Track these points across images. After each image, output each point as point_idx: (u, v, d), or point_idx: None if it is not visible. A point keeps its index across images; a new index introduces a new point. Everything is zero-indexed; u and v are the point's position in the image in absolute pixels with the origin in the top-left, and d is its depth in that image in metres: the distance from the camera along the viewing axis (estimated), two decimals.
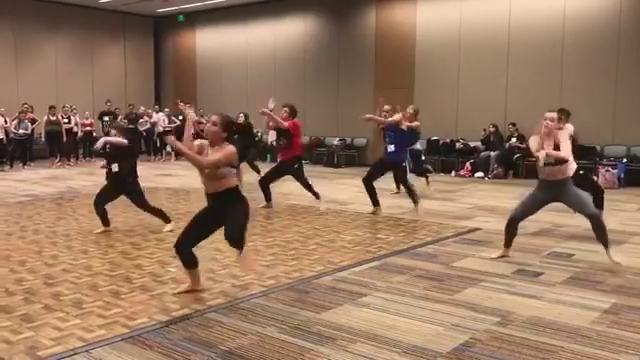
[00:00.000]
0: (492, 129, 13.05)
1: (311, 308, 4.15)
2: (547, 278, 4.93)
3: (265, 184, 8.40)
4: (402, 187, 8.56)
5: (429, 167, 11.33)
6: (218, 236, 6.48)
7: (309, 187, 8.31)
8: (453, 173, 13.39)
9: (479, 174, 12.88)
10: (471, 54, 13.68)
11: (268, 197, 8.42)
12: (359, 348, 3.45)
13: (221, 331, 3.73)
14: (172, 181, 11.98)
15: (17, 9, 16.83)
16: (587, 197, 5.41)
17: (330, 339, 3.59)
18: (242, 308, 4.17)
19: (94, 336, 3.62)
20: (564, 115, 6.78)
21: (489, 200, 9.43)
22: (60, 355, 3.33)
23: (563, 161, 5.13)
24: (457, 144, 13.79)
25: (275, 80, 17.31)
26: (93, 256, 5.65)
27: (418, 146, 10.06)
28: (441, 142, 14.02)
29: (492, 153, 12.87)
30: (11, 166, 14.34)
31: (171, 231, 6.53)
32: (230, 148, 4.23)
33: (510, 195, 9.88)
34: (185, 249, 4.38)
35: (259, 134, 16.91)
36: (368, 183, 7.97)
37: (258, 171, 10.78)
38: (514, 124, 12.84)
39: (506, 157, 12.75)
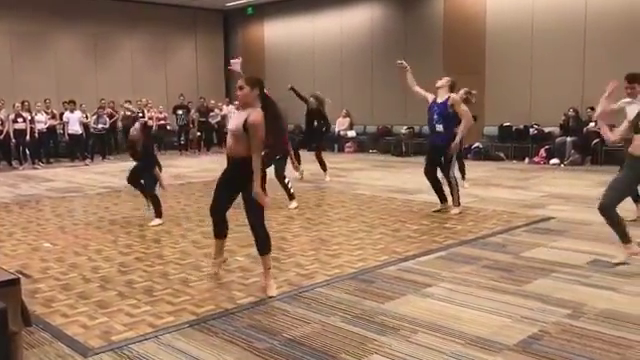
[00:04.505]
0: (572, 113, 12.49)
1: (375, 298, 4.13)
2: (625, 269, 4.68)
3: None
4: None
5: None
6: (284, 225, 6.58)
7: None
8: (527, 160, 12.94)
9: (554, 161, 12.38)
10: (545, 37, 13.12)
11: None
12: (422, 339, 3.40)
13: (285, 319, 3.77)
14: None
15: (97, 9, 17.58)
16: None
17: (393, 329, 3.56)
18: (306, 297, 4.20)
19: (163, 322, 3.75)
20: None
21: (565, 188, 9.05)
22: (131, 340, 3.47)
23: None
24: (531, 130, 13.30)
25: (342, 69, 17.29)
26: (165, 245, 5.85)
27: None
28: (514, 128, 13.57)
29: (569, 139, 12.34)
30: (91, 159, 15.06)
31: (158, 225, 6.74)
32: (259, 111, 4.15)
33: (588, 183, 9.46)
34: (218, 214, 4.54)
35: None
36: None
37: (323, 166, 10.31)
38: (593, 108, 12.23)
39: (584, 143, 12.19)
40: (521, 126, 13.47)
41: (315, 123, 10.34)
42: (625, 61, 11.88)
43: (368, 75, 16.62)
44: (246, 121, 4.10)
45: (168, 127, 17.18)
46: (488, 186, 9.36)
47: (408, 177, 10.57)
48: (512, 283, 4.38)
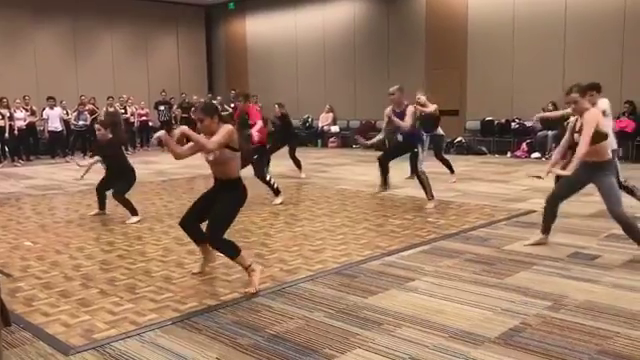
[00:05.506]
0: (551, 107, 12.61)
1: (358, 293, 4.14)
2: (604, 261, 4.75)
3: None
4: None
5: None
6: (268, 221, 6.57)
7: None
8: (509, 154, 13.05)
9: (536, 154, 12.50)
10: (526, 31, 13.23)
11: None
12: (405, 332, 3.42)
13: (268, 315, 3.77)
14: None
15: (76, 4, 17.38)
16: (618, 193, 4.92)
17: (376, 323, 3.57)
18: (290, 292, 4.20)
19: (146, 320, 3.72)
20: (594, 90, 5.90)
21: (546, 181, 9.07)
22: (114, 338, 3.45)
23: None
24: (512, 124, 13.42)
25: (325, 64, 17.28)
26: (147, 242, 5.82)
27: (440, 131, 9.48)
28: (496, 122, 13.68)
29: (550, 132, 12.46)
30: (72, 156, 14.89)
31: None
32: (227, 126, 4.23)
33: None
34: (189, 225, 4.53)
35: (309, 120, 16.98)
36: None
37: (298, 164, 10.24)
38: None
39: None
40: (503, 120, 13.59)
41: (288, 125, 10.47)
42: (604, 56, 12.04)
43: (351, 70, 16.62)
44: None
45: (150, 123, 17.05)
46: (470, 180, 9.43)
47: (391, 172, 10.57)
48: (494, 276, 4.42)
